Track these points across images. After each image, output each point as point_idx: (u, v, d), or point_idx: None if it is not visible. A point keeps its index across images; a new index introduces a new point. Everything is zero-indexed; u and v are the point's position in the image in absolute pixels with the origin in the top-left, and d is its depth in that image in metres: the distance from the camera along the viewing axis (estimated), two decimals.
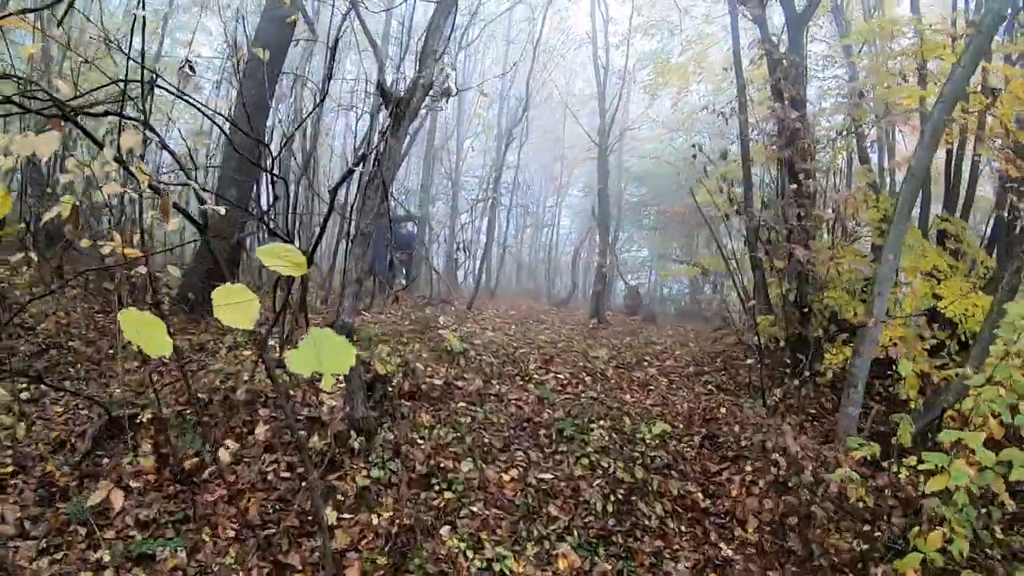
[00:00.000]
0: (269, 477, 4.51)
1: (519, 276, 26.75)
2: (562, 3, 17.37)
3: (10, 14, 3.30)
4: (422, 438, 5.02)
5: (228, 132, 7.91)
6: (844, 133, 9.09)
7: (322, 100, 5.74)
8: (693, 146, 7.78)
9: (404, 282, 13.85)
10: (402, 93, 4.23)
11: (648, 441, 5.75)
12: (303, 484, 4.39)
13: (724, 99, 10.49)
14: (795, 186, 7.64)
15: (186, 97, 3.71)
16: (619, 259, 16.46)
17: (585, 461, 5.20)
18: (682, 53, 14.49)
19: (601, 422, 5.89)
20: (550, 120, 23.91)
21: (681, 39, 14.60)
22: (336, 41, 5.54)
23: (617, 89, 14.49)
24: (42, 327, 6.66)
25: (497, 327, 10.14)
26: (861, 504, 4.19)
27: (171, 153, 3.42)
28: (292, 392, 5.29)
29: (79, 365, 6.14)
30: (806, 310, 7.67)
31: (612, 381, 7.46)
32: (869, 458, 4.55)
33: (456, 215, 16.87)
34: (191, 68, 4.47)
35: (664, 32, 14.77)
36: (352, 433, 4.60)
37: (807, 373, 7.24)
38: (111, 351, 6.43)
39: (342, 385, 4.85)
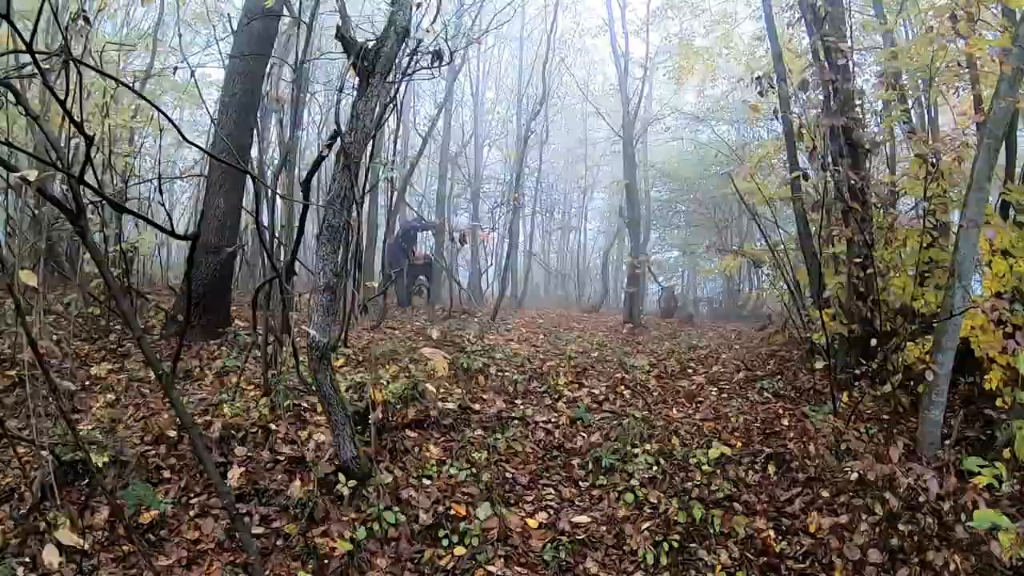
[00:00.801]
0: (239, 533, 3.66)
1: (548, 283, 25.82)
2: None
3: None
4: (429, 477, 4.13)
5: (214, 134, 7.27)
6: (892, 102, 8.04)
7: (298, 79, 4.90)
8: (744, 102, 6.74)
9: (427, 293, 13.07)
10: (370, 44, 3.37)
11: (704, 467, 4.79)
12: (279, 542, 3.54)
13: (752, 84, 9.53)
14: (851, 159, 6.61)
15: (147, 99, 2.95)
16: (651, 259, 15.52)
17: (629, 497, 4.26)
18: (706, 35, 13.55)
19: (646, 446, 4.95)
20: (571, 120, 23.04)
21: (704, 20, 13.66)
22: (312, 18, 4.73)
23: (639, 78, 13.55)
24: (20, 357, 5.95)
25: (523, 338, 9.24)
26: (1013, 560, 3.16)
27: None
28: (274, 426, 4.44)
29: (51, 399, 5.38)
30: (872, 301, 6.64)
31: (655, 394, 6.50)
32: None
33: (477, 222, 16.06)
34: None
35: (685, 12, 13.78)
36: (340, 477, 3.73)
37: (876, 373, 6.28)
38: (87, 382, 5.71)
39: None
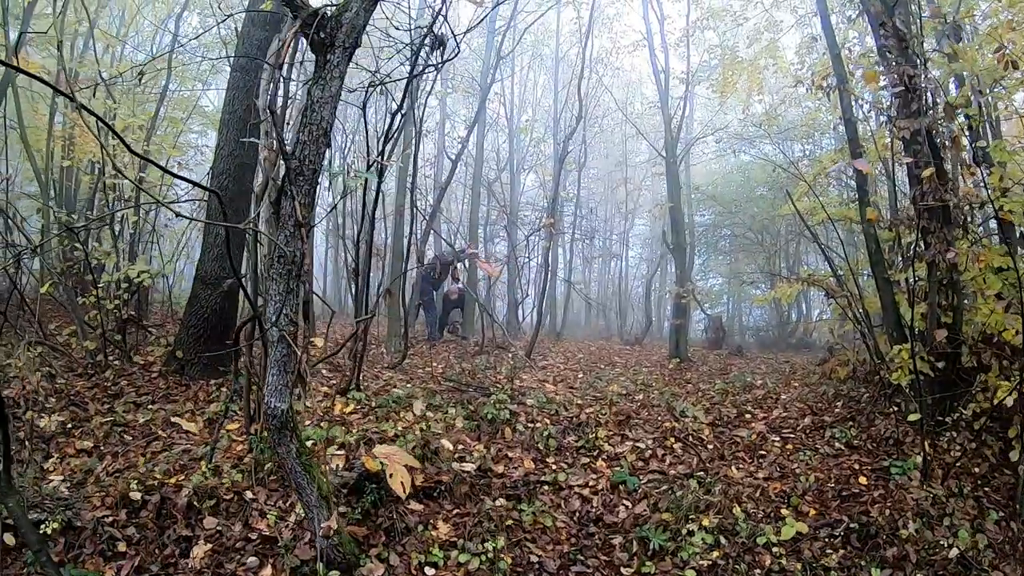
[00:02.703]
0: None
1: (588, 313, 24.87)
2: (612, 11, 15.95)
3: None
4: (433, 565, 3.31)
5: (214, 154, 6.67)
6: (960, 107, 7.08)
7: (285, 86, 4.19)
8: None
9: (460, 329, 12.33)
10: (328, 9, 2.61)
11: (774, 549, 3.88)
12: None
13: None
14: (932, 170, 5.65)
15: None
16: (696, 286, 14.56)
17: None
18: (749, 45, 12.72)
19: (703, 519, 4.06)
20: (609, 144, 22.31)
21: (747, 29, 12.84)
22: None
23: (680, 94, 12.76)
24: (6, 393, 5.37)
25: (560, 377, 8.39)
26: None
27: None
28: (250, 494, 3.68)
29: (28, 443, 4.76)
30: (954, 333, 5.66)
31: (710, 447, 5.59)
32: None
33: (513, 251, 15.34)
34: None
35: (727, 21, 12.96)
36: (319, 567, 2.94)
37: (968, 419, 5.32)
38: (69, 425, 5.08)
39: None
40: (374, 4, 2.75)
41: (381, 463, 2.97)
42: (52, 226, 7.40)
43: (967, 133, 6.49)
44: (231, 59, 6.13)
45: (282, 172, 2.59)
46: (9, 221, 6.31)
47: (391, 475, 2.92)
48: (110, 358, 6.37)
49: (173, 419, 4.89)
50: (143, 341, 7.28)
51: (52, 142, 7.91)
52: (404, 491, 2.92)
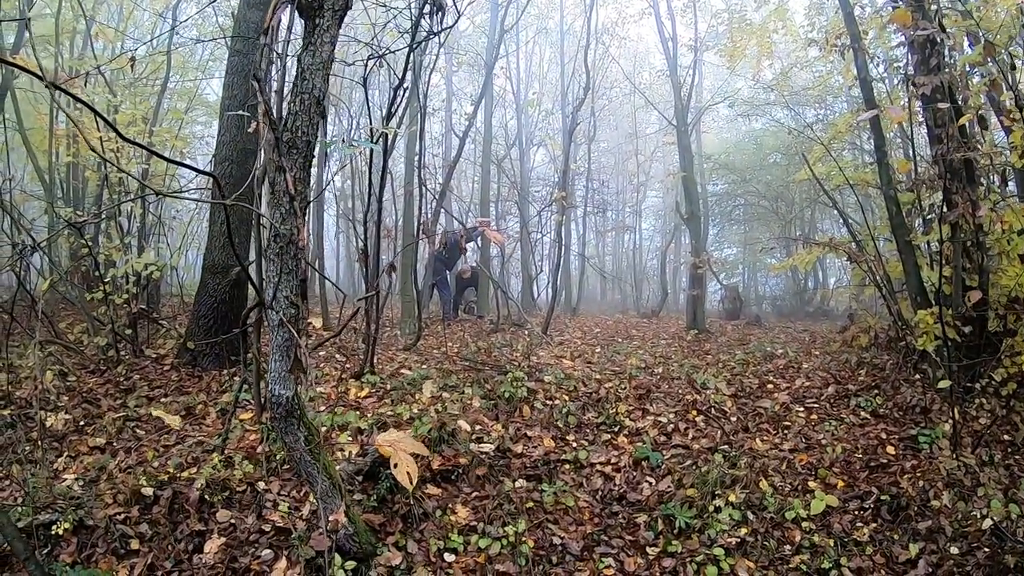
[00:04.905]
0: None
1: (604, 287, 24.68)
2: None
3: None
4: (453, 551, 3.21)
5: (216, 140, 6.53)
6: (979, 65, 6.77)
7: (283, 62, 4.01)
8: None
9: (474, 308, 12.23)
10: None
11: (805, 524, 3.75)
12: None
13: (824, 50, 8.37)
14: (956, 125, 5.39)
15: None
16: (711, 256, 14.32)
17: (712, 571, 3.26)
18: (758, 8, 12.35)
19: (729, 495, 3.93)
20: (619, 116, 21.96)
21: None
22: None
23: (689, 62, 12.46)
24: (18, 394, 5.35)
25: (577, 352, 8.25)
26: None
27: None
28: (263, 484, 3.59)
29: (41, 443, 4.71)
30: (981, 297, 5.44)
31: (733, 419, 5.44)
32: None
33: (525, 227, 15.15)
34: None
35: None
36: (336, 557, 2.84)
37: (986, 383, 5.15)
38: (82, 423, 5.03)
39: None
40: None
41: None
42: (57, 224, 7.34)
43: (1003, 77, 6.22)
44: (228, 40, 5.97)
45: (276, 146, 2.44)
46: (10, 219, 6.22)
47: (395, 465, 2.79)
48: (122, 353, 6.33)
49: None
50: (155, 334, 7.24)
51: (55, 140, 7.83)
52: (411, 482, 2.79)
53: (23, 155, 8.48)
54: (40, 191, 8.53)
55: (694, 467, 4.29)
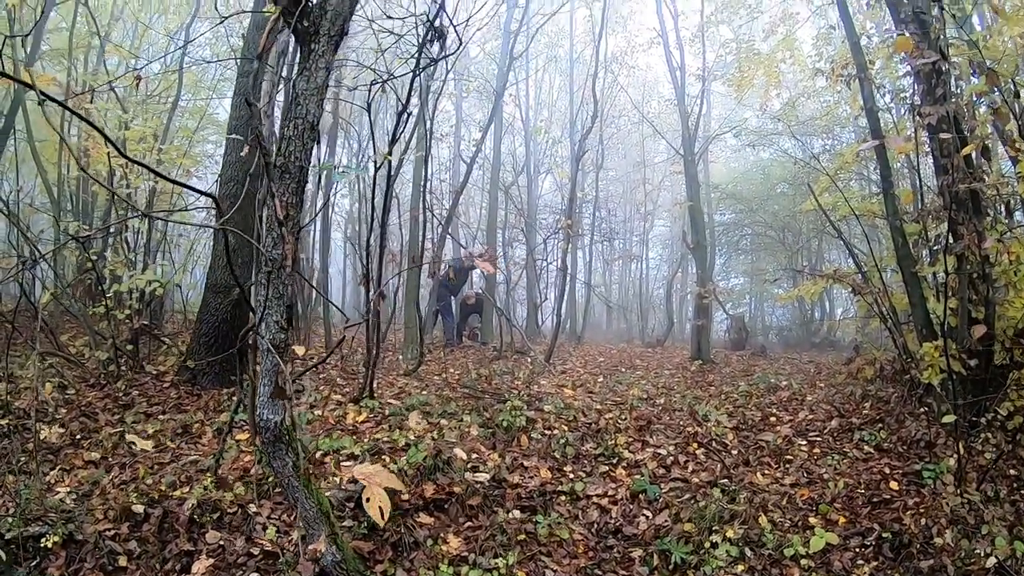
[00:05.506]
0: None
1: (609, 315, 24.62)
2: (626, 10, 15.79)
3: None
4: None
5: (222, 160, 6.59)
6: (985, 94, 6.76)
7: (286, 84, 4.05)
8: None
9: (479, 335, 12.21)
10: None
11: (803, 562, 3.67)
12: None
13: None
14: (961, 155, 5.35)
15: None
16: (718, 286, 14.27)
17: None
18: (766, 38, 12.48)
19: (727, 530, 3.86)
20: (627, 145, 22.08)
21: (762, 23, 12.61)
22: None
23: (697, 91, 12.55)
24: (17, 405, 5.34)
25: (579, 381, 8.20)
26: None
27: None
28: (254, 507, 3.55)
29: (36, 454, 4.68)
30: (988, 329, 5.38)
31: (734, 452, 5.37)
32: None
33: (531, 254, 15.15)
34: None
35: (741, 15, 12.73)
36: None
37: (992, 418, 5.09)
38: (79, 436, 5.01)
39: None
40: None
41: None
42: (63, 237, 7.39)
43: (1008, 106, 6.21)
44: (237, 61, 6.04)
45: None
46: (18, 230, 6.27)
47: (368, 499, 2.74)
48: (122, 368, 6.32)
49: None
50: (156, 350, 7.23)
51: (65, 154, 7.90)
52: (383, 518, 2.74)
53: (34, 168, 8.55)
54: (49, 203, 8.60)
55: (692, 501, 4.22)
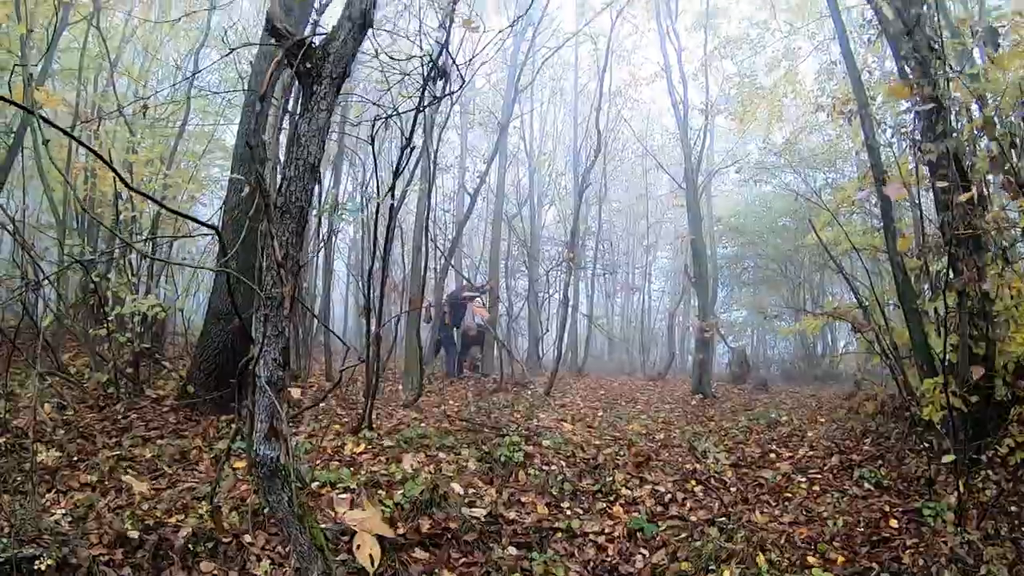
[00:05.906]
0: None
1: (611, 348, 24.58)
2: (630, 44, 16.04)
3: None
4: None
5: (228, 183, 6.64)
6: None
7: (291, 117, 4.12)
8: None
9: (479, 367, 12.19)
10: (314, 38, 2.50)
11: None
12: None
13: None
14: (964, 196, 5.39)
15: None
16: (719, 319, 14.29)
17: None
18: (768, 73, 12.65)
19: (724, 570, 3.83)
20: (630, 177, 22.24)
21: (765, 58, 12.80)
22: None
23: (700, 125, 12.70)
24: (15, 423, 5.34)
25: (578, 415, 8.17)
26: None
27: None
28: (250, 538, 3.54)
29: (33, 475, 4.67)
30: (988, 365, 5.37)
31: (733, 490, 5.34)
32: None
33: (533, 286, 15.20)
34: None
35: (744, 50, 12.92)
36: None
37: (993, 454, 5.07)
38: (76, 458, 4.99)
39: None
40: (363, 33, 2.65)
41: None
42: (67, 258, 7.44)
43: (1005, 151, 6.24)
44: (244, 90, 6.13)
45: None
46: (24, 251, 6.31)
47: (358, 546, 2.73)
48: (122, 391, 6.32)
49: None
50: (156, 374, 7.23)
51: (72, 176, 7.97)
52: (372, 564, 2.73)
53: (41, 189, 8.62)
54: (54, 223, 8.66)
55: (689, 539, 4.19)
